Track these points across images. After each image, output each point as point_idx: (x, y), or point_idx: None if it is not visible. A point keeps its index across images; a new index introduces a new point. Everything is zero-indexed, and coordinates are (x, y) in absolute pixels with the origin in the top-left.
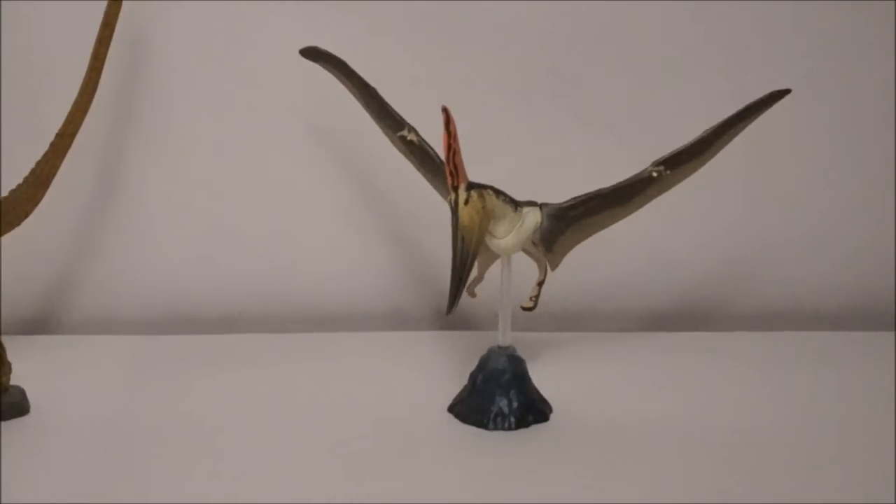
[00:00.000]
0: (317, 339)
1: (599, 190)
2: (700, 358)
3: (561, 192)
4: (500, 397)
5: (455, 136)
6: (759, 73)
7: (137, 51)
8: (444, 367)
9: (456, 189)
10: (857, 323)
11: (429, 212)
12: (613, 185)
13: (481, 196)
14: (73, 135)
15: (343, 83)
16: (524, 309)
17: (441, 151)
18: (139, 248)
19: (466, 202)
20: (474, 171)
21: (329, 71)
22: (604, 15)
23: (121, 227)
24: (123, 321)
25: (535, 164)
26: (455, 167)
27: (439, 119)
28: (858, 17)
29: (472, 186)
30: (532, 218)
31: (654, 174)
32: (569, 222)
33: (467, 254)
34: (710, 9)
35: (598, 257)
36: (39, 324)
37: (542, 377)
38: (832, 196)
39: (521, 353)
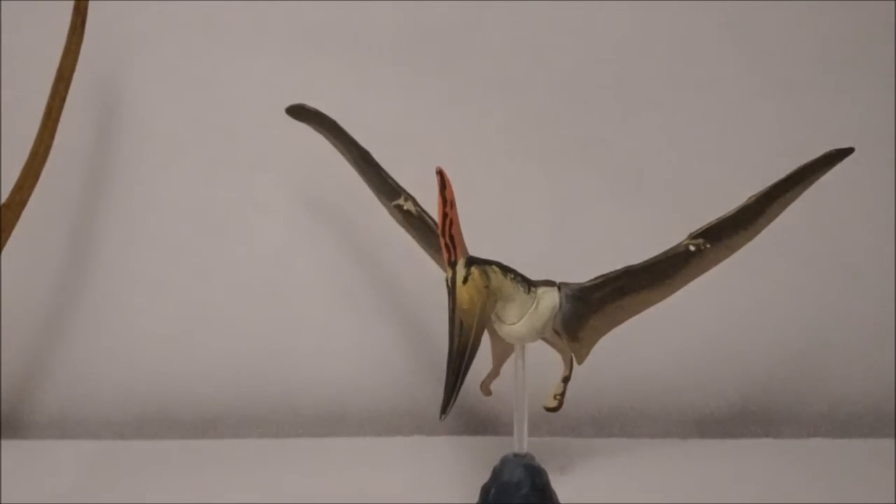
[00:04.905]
0: (313, 445)
1: (628, 267)
2: (762, 469)
3: (588, 271)
4: None
5: (452, 203)
6: (822, 128)
7: (107, 107)
8: (458, 478)
9: (453, 265)
10: None
11: (443, 293)
12: (644, 262)
13: (484, 273)
14: (21, 204)
15: (334, 145)
16: (547, 409)
17: None
18: (109, 335)
19: (465, 280)
20: (484, 246)
21: (318, 131)
22: (638, 60)
23: (90, 312)
24: (92, 422)
25: (557, 237)
26: (451, 239)
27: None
28: None
29: (472, 262)
30: (549, 300)
31: (692, 248)
32: (594, 305)
33: (466, 342)
34: (767, 51)
35: (641, 349)
36: None
37: (572, 491)
38: None
39: (545, 462)
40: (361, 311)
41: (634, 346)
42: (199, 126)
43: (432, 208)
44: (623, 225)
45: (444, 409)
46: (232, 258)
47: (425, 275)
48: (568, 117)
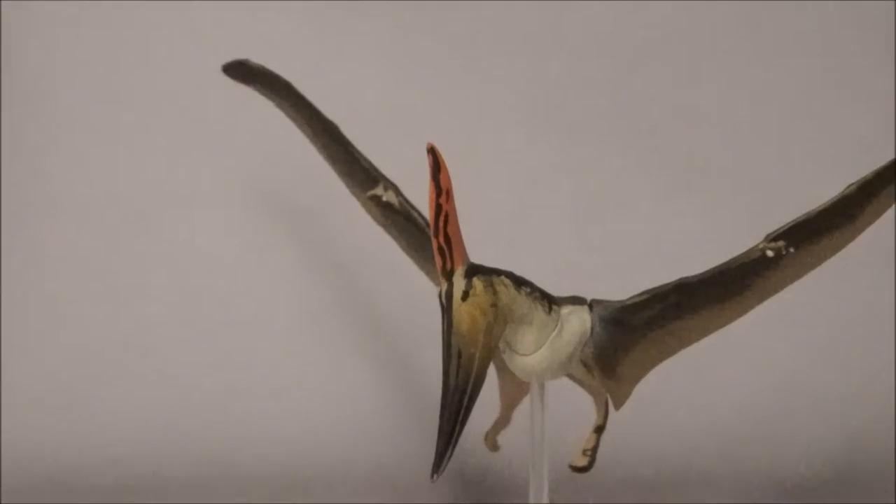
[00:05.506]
0: None
1: (682, 280)
2: None
3: (628, 285)
4: None
5: (449, 192)
6: None
7: None
8: None
9: (449, 275)
10: None
11: (436, 314)
12: (705, 273)
13: (490, 287)
14: None
15: (290, 116)
16: (575, 469)
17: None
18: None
19: (465, 296)
20: (491, 252)
21: (269, 98)
22: (695, 17)
23: None
24: None
25: (587, 241)
26: (447, 241)
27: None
28: None
29: (475, 271)
30: (576, 323)
31: (770, 253)
32: (637, 331)
33: (467, 378)
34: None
35: (700, 391)
36: None
37: None
38: None
39: None
40: (331, 339)
41: (691, 386)
42: (115, 96)
43: (421, 201)
44: (673, 225)
45: (437, 466)
46: (162, 273)
47: (412, 292)
48: (602, 88)
